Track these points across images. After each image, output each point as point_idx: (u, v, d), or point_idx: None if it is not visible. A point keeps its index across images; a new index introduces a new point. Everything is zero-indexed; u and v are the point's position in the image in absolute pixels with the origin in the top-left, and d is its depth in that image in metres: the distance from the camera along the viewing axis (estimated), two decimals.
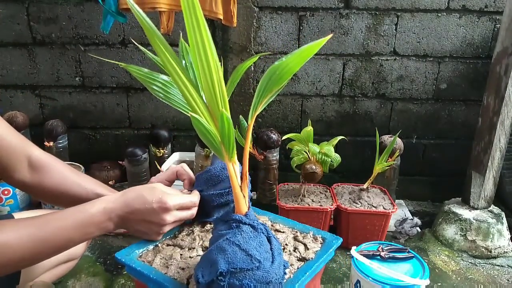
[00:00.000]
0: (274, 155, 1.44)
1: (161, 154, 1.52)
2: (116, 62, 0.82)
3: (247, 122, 0.68)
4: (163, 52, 0.52)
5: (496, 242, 1.28)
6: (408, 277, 0.80)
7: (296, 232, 0.80)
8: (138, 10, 0.50)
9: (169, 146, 1.57)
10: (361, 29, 1.50)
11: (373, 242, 0.93)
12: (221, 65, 0.54)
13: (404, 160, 1.49)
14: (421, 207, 1.64)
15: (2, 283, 0.76)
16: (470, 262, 1.25)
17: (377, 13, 1.48)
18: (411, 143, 1.63)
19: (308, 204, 1.25)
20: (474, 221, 1.30)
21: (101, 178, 1.49)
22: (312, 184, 1.37)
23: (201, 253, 0.73)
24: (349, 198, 1.32)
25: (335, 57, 1.54)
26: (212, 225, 0.79)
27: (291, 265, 0.69)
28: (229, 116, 0.54)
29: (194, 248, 0.74)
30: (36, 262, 0.67)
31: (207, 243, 0.75)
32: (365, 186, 1.33)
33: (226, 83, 0.57)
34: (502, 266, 1.24)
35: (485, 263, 1.25)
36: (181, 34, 0.69)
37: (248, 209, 0.62)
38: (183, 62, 0.65)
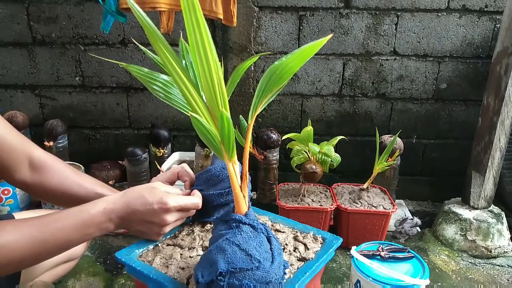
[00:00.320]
0: (274, 155, 1.44)
1: (161, 154, 1.51)
2: (117, 62, 0.82)
3: (247, 122, 0.68)
4: (163, 52, 0.52)
5: (496, 242, 1.28)
6: (408, 277, 0.80)
7: (296, 232, 0.80)
8: (138, 10, 0.50)
9: (169, 146, 1.57)
10: (361, 29, 1.50)
11: (373, 242, 0.93)
12: (221, 65, 0.54)
13: (404, 160, 1.49)
14: (421, 207, 1.64)
15: (2, 283, 0.76)
16: (470, 262, 1.25)
17: (377, 13, 1.48)
18: (411, 143, 1.63)
19: (308, 204, 1.25)
20: (474, 221, 1.30)
21: (101, 178, 1.49)
22: (312, 184, 1.37)
23: (201, 253, 0.73)
24: (349, 198, 1.32)
25: (335, 57, 1.54)
26: (212, 225, 0.79)
27: (291, 265, 0.69)
28: (229, 116, 0.54)
29: (194, 248, 0.74)
30: (37, 262, 0.67)
31: (207, 243, 0.75)
32: (365, 186, 1.33)
33: (226, 83, 0.57)
34: (502, 266, 1.24)
35: (485, 263, 1.25)
36: (181, 34, 0.69)
37: (248, 209, 0.62)
38: (183, 62, 0.65)
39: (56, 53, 1.57)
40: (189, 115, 0.54)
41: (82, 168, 1.43)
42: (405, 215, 1.48)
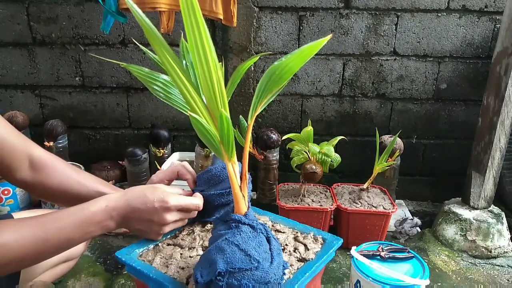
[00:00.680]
0: (274, 155, 1.44)
1: (161, 154, 1.52)
2: (117, 62, 0.82)
3: (247, 122, 0.68)
4: (162, 53, 0.52)
5: (496, 242, 1.28)
6: (408, 277, 0.80)
7: (297, 232, 0.80)
8: (137, 10, 0.50)
9: (169, 146, 1.57)
10: (361, 29, 1.50)
11: (373, 242, 0.93)
12: (221, 65, 0.54)
13: (404, 160, 1.49)
14: (421, 207, 1.63)
15: (2, 282, 0.76)
16: (470, 262, 1.25)
17: (377, 13, 1.48)
18: (411, 143, 1.63)
19: (308, 204, 1.25)
20: (474, 221, 1.30)
21: (101, 178, 1.49)
22: (312, 184, 1.37)
23: (201, 252, 0.73)
24: (349, 198, 1.32)
25: (335, 57, 1.54)
26: (212, 225, 0.79)
27: (291, 265, 0.70)
28: (229, 116, 0.54)
29: (194, 247, 0.74)
30: (38, 261, 0.68)
31: (207, 243, 0.75)
32: (365, 186, 1.33)
33: (226, 84, 0.57)
34: (502, 266, 1.24)
35: (485, 263, 1.25)
36: (182, 34, 0.69)
37: (248, 209, 0.62)
38: (184, 62, 0.65)
39: (56, 53, 1.57)
40: (188, 115, 0.54)
41: (82, 168, 1.43)
42: (405, 215, 1.48)
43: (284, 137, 1.27)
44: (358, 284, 0.84)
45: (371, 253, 0.88)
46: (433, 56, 1.53)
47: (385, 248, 0.90)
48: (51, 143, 1.48)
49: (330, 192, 1.34)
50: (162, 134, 1.52)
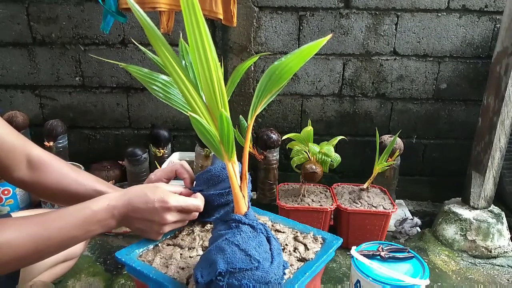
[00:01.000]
0: (274, 155, 1.44)
1: (161, 154, 1.52)
2: (116, 62, 0.82)
3: (247, 122, 0.68)
4: (163, 52, 0.52)
5: (496, 242, 1.28)
6: (408, 277, 0.80)
7: (297, 232, 0.80)
8: (139, 10, 0.50)
9: (169, 146, 1.57)
10: (361, 29, 1.50)
11: (373, 242, 0.93)
12: (221, 65, 0.54)
13: (404, 160, 1.49)
14: (421, 207, 1.63)
15: (1, 282, 0.76)
16: (470, 262, 1.25)
17: (377, 13, 1.48)
18: (411, 143, 1.63)
19: (308, 204, 1.24)
20: (474, 221, 1.30)
21: (101, 178, 1.49)
22: (312, 184, 1.37)
23: (201, 253, 0.73)
24: (349, 198, 1.32)
25: (335, 57, 1.54)
26: (212, 225, 0.79)
27: (291, 265, 0.69)
28: (229, 116, 0.54)
29: (194, 248, 0.74)
30: (39, 260, 0.68)
31: (207, 243, 0.75)
32: (365, 186, 1.33)
33: (226, 83, 0.57)
34: (502, 266, 1.24)
35: (485, 263, 1.25)
36: (181, 34, 0.69)
37: (248, 209, 0.61)
38: (183, 62, 0.65)
39: (56, 53, 1.57)
40: (188, 115, 0.54)
41: (82, 168, 1.43)
42: (405, 215, 1.48)
43: (284, 137, 1.27)
44: (358, 284, 0.84)
45: (371, 253, 0.88)
46: (433, 56, 1.53)
47: (385, 248, 0.90)
48: (51, 143, 1.48)
49: (330, 192, 1.34)
50: (162, 134, 1.52)
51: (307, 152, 1.24)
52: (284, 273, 0.61)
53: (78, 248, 0.98)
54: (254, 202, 1.47)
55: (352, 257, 0.87)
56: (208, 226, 0.81)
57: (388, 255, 0.87)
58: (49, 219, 0.65)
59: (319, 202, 1.27)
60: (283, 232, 0.80)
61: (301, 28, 1.51)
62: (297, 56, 0.50)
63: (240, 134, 1.10)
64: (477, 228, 1.29)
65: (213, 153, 1.02)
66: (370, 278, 0.81)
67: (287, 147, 1.32)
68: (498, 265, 1.24)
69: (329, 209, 1.22)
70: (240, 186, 0.61)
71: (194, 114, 0.54)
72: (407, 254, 0.88)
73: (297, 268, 0.69)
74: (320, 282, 0.79)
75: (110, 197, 0.70)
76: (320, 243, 0.76)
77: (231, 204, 0.75)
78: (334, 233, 0.80)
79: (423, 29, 1.50)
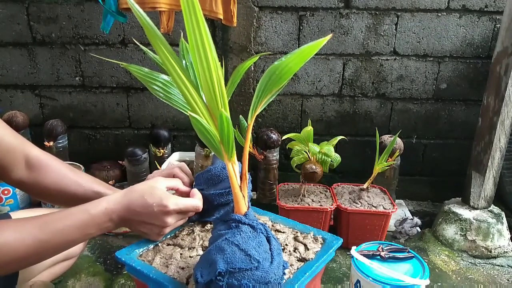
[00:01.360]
0: (274, 155, 1.44)
1: (161, 154, 1.51)
2: (117, 62, 0.82)
3: (247, 122, 0.68)
4: (163, 52, 0.52)
5: (496, 242, 1.28)
6: (408, 277, 0.80)
7: (297, 232, 0.80)
8: (139, 10, 0.50)
9: (169, 146, 1.57)
10: (361, 29, 1.50)
11: (373, 242, 0.93)
12: (221, 65, 0.54)
13: (404, 160, 1.49)
14: (421, 207, 1.64)
15: (0, 282, 0.76)
16: (470, 262, 1.25)
17: (377, 13, 1.48)
18: (411, 143, 1.63)
19: (308, 204, 1.24)
20: (474, 221, 1.30)
21: (101, 178, 1.47)
22: (312, 184, 1.37)
23: (201, 252, 0.73)
24: (349, 198, 1.32)
25: (335, 57, 1.54)
26: (212, 225, 0.79)
27: (291, 265, 0.70)
28: (228, 116, 0.54)
29: (194, 247, 0.74)
30: (38, 262, 0.68)
31: (207, 243, 0.75)
32: (365, 186, 1.33)
33: (226, 83, 0.57)
34: (502, 266, 1.24)
35: (485, 263, 1.25)
36: (181, 34, 0.69)
37: (248, 209, 0.61)
38: (183, 62, 0.65)
39: (56, 53, 1.57)
40: (188, 115, 0.54)
41: (82, 168, 1.43)
42: (405, 215, 1.48)
43: (284, 137, 1.27)
44: (358, 284, 0.84)
45: (371, 253, 0.88)
46: (433, 56, 1.53)
47: (385, 248, 0.90)
48: (51, 143, 1.48)
49: (330, 192, 1.34)
50: (162, 134, 1.52)
51: (307, 152, 1.24)
52: (284, 273, 0.61)
53: (77, 248, 0.97)
54: (254, 202, 1.46)
55: (352, 257, 0.87)
56: (208, 226, 0.81)
57: (388, 255, 0.87)
58: (48, 222, 0.65)
59: (319, 202, 1.27)
60: (283, 232, 0.80)
61: (301, 28, 1.51)
62: (297, 56, 0.50)
63: (240, 134, 1.10)
64: (477, 228, 1.29)
65: (213, 153, 1.02)
66: (370, 278, 0.81)
67: (287, 147, 1.32)
68: (498, 265, 1.24)
69: (329, 209, 1.22)
70: (240, 186, 0.61)
71: (194, 114, 0.54)
72: (407, 254, 0.88)
73: (297, 268, 0.69)
74: (320, 282, 0.79)
75: (108, 200, 0.70)
76: (320, 243, 0.76)
77: (231, 204, 0.75)
78: (334, 233, 0.80)
79: (423, 29, 1.50)
